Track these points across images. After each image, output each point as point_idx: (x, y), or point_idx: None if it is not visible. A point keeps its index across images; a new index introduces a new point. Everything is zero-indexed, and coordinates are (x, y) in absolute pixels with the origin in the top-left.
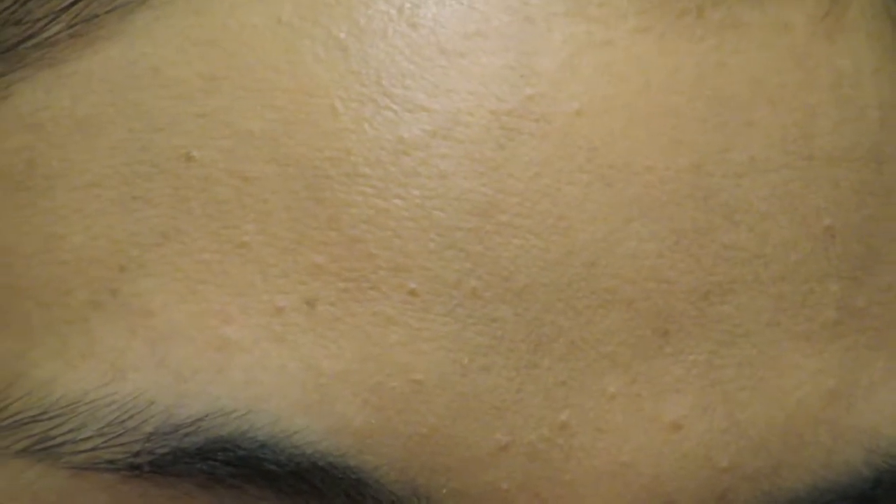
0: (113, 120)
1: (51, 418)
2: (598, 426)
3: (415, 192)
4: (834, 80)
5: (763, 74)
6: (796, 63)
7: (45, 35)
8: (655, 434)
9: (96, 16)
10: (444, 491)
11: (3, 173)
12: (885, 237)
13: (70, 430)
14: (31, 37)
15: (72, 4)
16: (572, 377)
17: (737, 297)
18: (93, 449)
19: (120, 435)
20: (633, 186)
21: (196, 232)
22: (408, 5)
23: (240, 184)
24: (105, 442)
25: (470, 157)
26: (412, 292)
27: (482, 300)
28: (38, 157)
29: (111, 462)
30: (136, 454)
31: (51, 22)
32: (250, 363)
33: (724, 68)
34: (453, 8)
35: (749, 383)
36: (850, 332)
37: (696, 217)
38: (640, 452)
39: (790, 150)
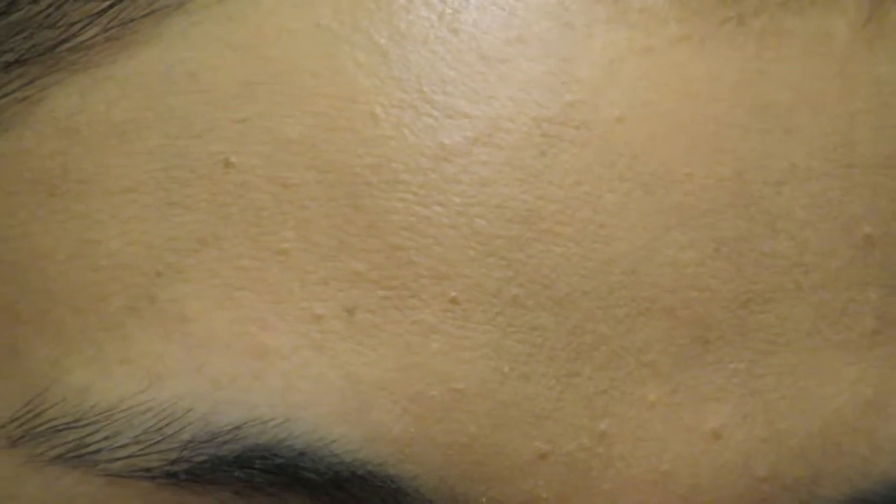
0: (149, 125)
1: (86, 425)
2: (638, 435)
3: (455, 199)
4: (874, 89)
5: (804, 82)
6: (837, 70)
7: (81, 39)
8: (695, 443)
9: (132, 20)
10: (483, 500)
11: (37, 178)
12: None
13: (106, 438)
14: (66, 40)
15: (108, 8)
16: (613, 386)
17: (777, 305)
18: (129, 456)
19: (157, 442)
20: (674, 194)
21: (234, 238)
22: (449, 11)
23: (279, 190)
24: (141, 449)
25: (511, 164)
26: (453, 300)
27: (523, 308)
28: (72, 161)
29: (147, 470)
30: (173, 462)
31: (86, 25)
32: (289, 371)
33: (764, 76)
34: (494, 14)
35: (789, 392)
36: (889, 341)
37: (737, 225)
38: (679, 461)
39: (830, 158)
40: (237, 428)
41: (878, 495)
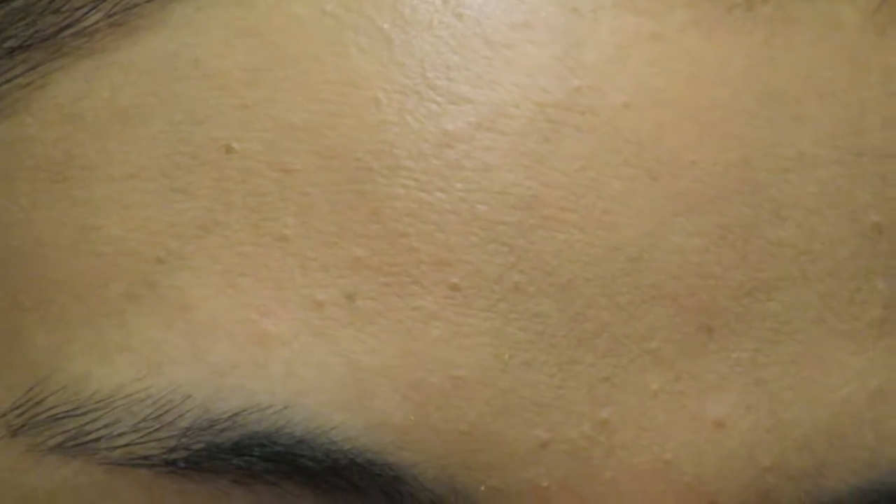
0: (153, 111)
1: (85, 413)
2: (641, 424)
3: (458, 185)
4: (885, 76)
5: (813, 69)
6: (847, 58)
7: (85, 24)
8: (698, 432)
9: (136, 5)
10: (483, 488)
11: (40, 164)
12: None
13: (105, 426)
14: (69, 26)
15: None
16: (615, 374)
17: (783, 293)
18: (128, 444)
19: (156, 430)
20: (680, 181)
21: (236, 224)
22: None
23: (281, 176)
24: (140, 437)
25: (514, 150)
26: (454, 287)
27: (525, 295)
28: (76, 147)
29: (146, 458)
30: (172, 450)
31: (90, 11)
32: (289, 358)
33: (773, 63)
34: None
35: (794, 382)
36: (895, 331)
37: (743, 212)
38: (682, 450)
39: (839, 146)
40: (236, 415)
41: (886, 485)
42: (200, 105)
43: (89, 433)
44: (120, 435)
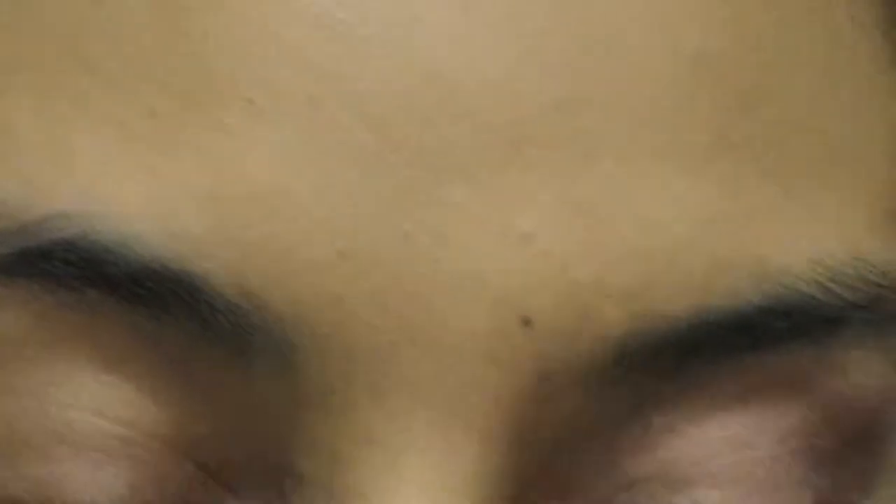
0: None
1: None
2: (444, 236)
3: (256, 8)
4: None
5: None
6: None
7: None
8: (505, 246)
9: None
10: (280, 297)
11: None
12: (773, 73)
13: None
14: None
15: None
16: (415, 186)
17: (592, 112)
18: None
19: None
20: (482, 4)
21: (49, 52)
22: None
23: (90, 7)
24: None
25: None
26: (249, 100)
27: (321, 108)
28: None
29: None
30: None
31: None
32: (93, 169)
33: None
34: None
35: (610, 200)
36: (727, 160)
37: (547, 32)
38: (488, 263)
39: None
40: (43, 221)
41: (725, 310)
42: None
43: None
44: None
